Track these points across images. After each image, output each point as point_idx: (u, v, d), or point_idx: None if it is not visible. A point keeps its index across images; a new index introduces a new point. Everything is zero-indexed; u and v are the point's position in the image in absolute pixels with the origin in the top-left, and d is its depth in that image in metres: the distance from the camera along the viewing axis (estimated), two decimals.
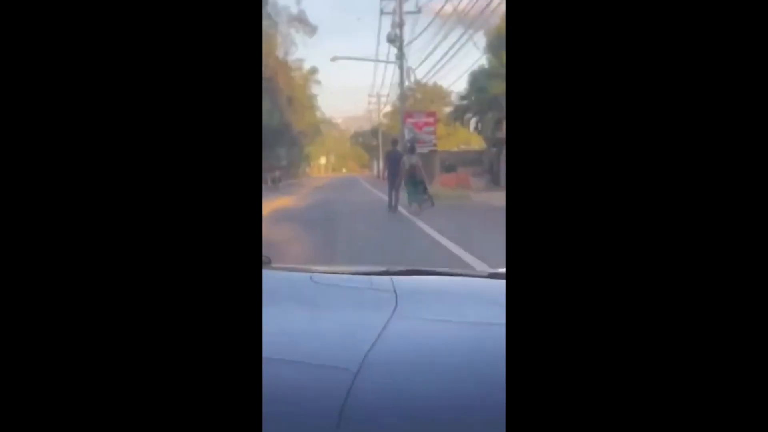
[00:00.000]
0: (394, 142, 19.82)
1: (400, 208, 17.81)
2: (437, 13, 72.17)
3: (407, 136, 32.78)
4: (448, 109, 48.18)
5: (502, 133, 31.34)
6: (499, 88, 30.57)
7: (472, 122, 38.43)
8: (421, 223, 14.12)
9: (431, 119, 37.24)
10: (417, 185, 17.71)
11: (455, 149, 45.32)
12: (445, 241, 10.82)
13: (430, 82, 54.41)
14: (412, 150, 18.63)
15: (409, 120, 36.18)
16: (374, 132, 70.84)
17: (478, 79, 33.98)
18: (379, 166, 57.11)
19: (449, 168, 35.46)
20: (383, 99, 70.71)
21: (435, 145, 36.71)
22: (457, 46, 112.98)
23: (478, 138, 41.96)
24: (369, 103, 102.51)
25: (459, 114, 38.77)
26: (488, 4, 29.55)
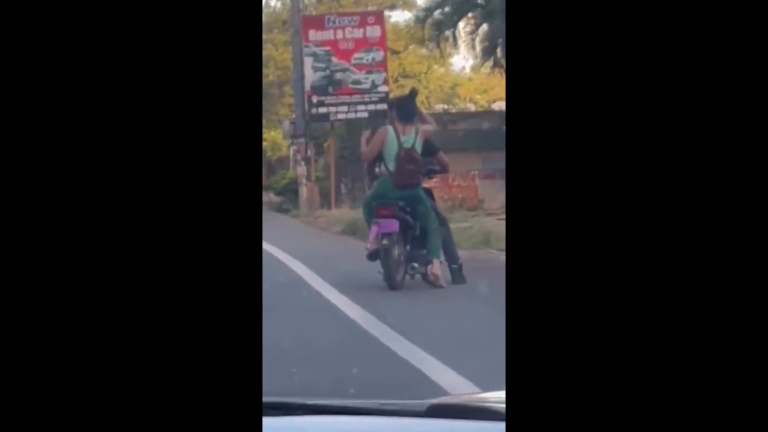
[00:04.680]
0: (391, 104, 8.23)
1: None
2: None
3: (312, 79, 16.83)
4: (406, 13, 23.57)
5: None
6: None
7: (469, 37, 17.54)
8: None
9: (375, 31, 17.33)
10: (429, 220, 7.42)
11: (436, 107, 23.17)
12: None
13: None
14: (403, 109, 7.54)
15: (316, 35, 17.05)
16: None
17: None
18: None
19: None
20: None
21: (387, 97, 16.11)
22: None
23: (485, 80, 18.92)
24: None
25: (437, 20, 17.85)
26: None
